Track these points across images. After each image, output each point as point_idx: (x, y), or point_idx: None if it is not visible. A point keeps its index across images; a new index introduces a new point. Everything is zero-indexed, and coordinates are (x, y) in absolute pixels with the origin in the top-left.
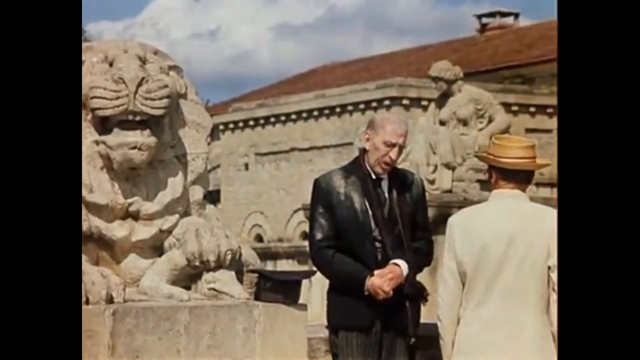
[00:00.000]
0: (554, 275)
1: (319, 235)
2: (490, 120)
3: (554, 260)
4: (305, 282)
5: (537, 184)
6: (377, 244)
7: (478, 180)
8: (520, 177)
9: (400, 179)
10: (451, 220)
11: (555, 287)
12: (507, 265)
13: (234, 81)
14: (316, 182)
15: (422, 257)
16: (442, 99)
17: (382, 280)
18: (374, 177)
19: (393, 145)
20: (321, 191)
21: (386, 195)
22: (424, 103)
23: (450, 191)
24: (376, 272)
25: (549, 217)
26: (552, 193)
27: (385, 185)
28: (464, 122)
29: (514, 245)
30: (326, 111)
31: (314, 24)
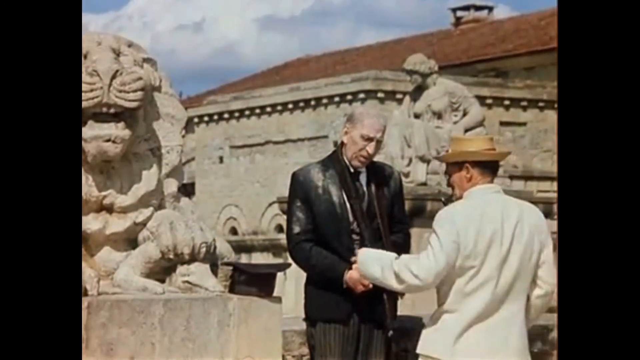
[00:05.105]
0: (541, 271)
1: (296, 229)
2: (464, 114)
3: (544, 257)
4: (279, 275)
5: (511, 177)
6: (355, 237)
7: None
8: (494, 169)
9: (379, 173)
10: (448, 214)
11: (540, 282)
12: (511, 258)
13: (218, 73)
14: (294, 176)
15: (400, 250)
16: (417, 92)
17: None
18: (352, 170)
19: (371, 139)
20: (299, 185)
21: (365, 188)
22: (399, 96)
23: (424, 184)
24: (354, 265)
25: (540, 213)
26: (526, 186)
27: (363, 178)
28: (439, 115)
29: (516, 240)
30: (301, 104)
31: (301, 17)
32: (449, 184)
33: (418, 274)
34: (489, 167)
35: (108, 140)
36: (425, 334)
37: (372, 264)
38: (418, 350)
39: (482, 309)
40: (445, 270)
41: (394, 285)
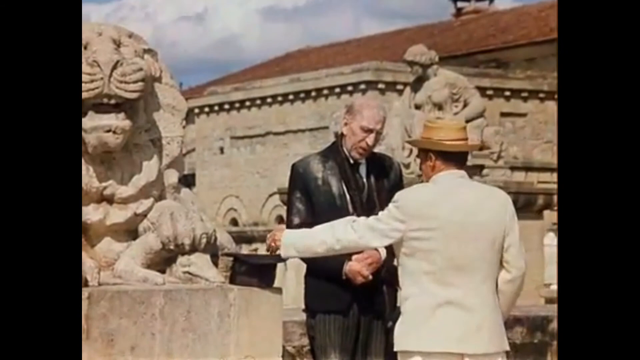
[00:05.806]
0: (507, 255)
1: (296, 220)
2: (465, 105)
3: (509, 241)
4: (280, 265)
5: (512, 168)
6: None
7: None
8: (460, 159)
9: (379, 164)
10: (405, 195)
11: (507, 267)
12: (467, 240)
13: (221, 64)
14: (294, 167)
15: None
16: (418, 83)
17: (360, 265)
18: (352, 161)
19: (370, 131)
20: (299, 176)
21: (364, 179)
22: (400, 87)
23: None
24: (354, 256)
25: (505, 197)
26: (526, 177)
27: (363, 169)
28: (439, 106)
29: (476, 224)
30: (302, 95)
31: (304, 7)
32: (421, 169)
33: (357, 229)
34: (454, 158)
35: (108, 131)
36: (396, 329)
37: (303, 231)
38: (395, 349)
39: (444, 294)
40: (379, 239)
41: (326, 237)
